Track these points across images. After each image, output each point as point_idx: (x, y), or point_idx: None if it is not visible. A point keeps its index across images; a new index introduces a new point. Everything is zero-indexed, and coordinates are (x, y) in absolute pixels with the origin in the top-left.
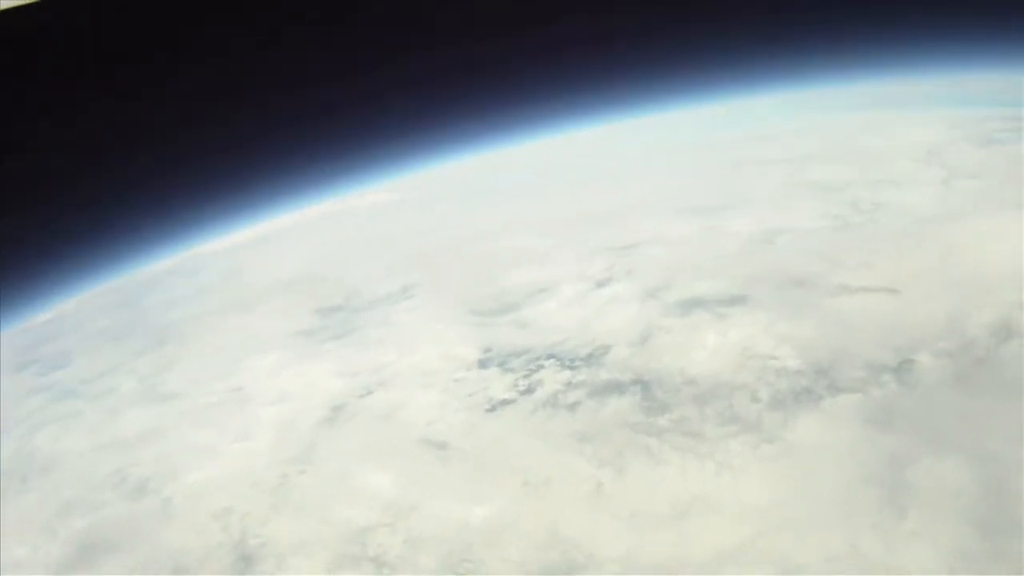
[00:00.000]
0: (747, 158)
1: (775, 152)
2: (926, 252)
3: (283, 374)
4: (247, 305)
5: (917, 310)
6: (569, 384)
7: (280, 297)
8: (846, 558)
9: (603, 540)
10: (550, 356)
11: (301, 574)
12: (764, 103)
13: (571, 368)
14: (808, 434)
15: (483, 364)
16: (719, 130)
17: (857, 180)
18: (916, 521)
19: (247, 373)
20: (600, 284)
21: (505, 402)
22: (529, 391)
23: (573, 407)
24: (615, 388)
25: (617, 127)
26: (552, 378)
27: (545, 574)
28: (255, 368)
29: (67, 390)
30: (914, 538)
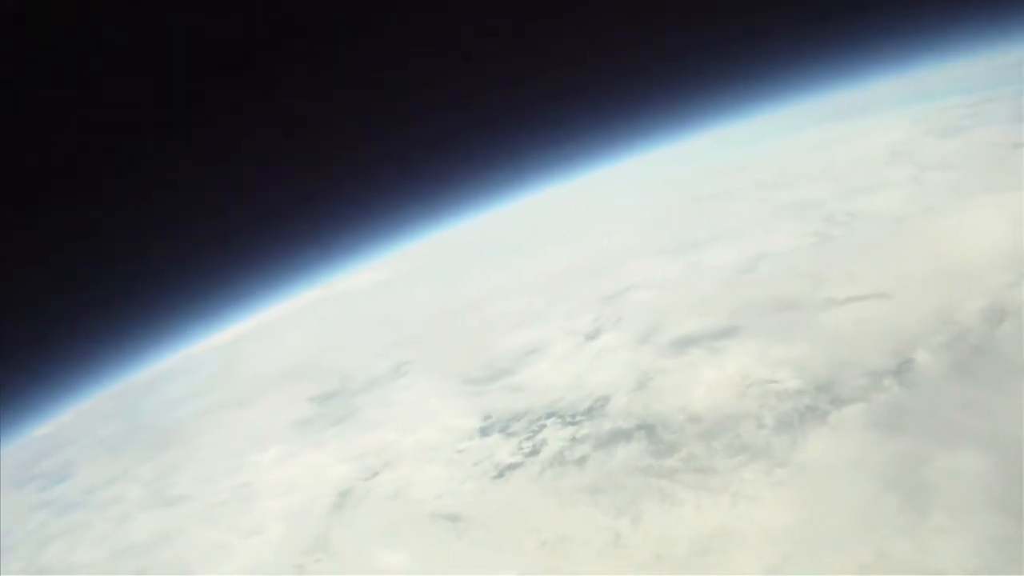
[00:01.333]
0: (718, 190)
1: (744, 180)
2: (907, 251)
3: (287, 465)
4: (245, 400)
5: (908, 309)
6: (573, 439)
7: (276, 388)
8: (878, 565)
9: None
10: (550, 415)
11: None
12: (726, 134)
13: (573, 424)
14: (819, 451)
15: (484, 432)
16: (687, 167)
17: (830, 194)
18: (942, 517)
19: (252, 468)
20: (590, 337)
21: (512, 466)
22: (534, 452)
23: (581, 461)
24: (620, 436)
25: (587, 180)
26: (555, 436)
27: None
28: (259, 462)
29: (72, 502)
30: (943, 533)
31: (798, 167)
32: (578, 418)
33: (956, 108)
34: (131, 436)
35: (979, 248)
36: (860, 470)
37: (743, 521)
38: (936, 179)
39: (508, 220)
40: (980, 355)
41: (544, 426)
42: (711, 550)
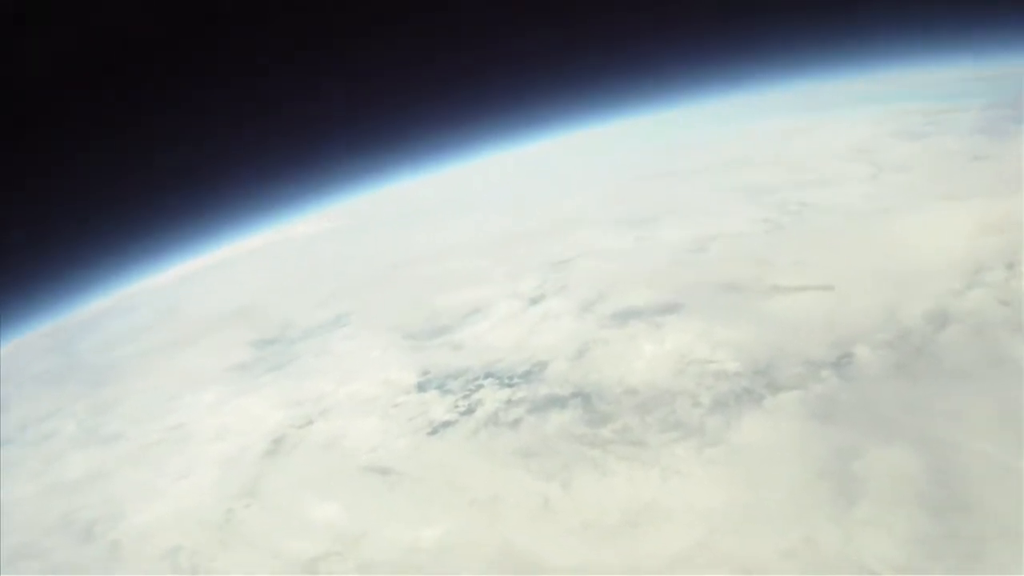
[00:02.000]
0: (677, 167)
1: (704, 160)
2: (857, 247)
3: (223, 409)
4: (184, 341)
5: (852, 304)
6: (509, 402)
7: (216, 331)
8: (803, 552)
9: (555, 553)
10: (488, 375)
11: None
12: (692, 112)
13: (510, 386)
14: (752, 434)
15: (421, 387)
16: (649, 141)
17: (786, 182)
18: (869, 510)
19: (187, 410)
20: (534, 301)
21: (446, 424)
22: (469, 411)
23: (515, 424)
24: (556, 403)
25: (547, 145)
26: (492, 397)
27: None
28: (195, 405)
29: (4, 438)
30: (869, 527)
31: (758, 152)
32: (515, 381)
33: (921, 113)
34: (68, 373)
35: (929, 252)
36: (792, 456)
37: (672, 496)
38: (893, 180)
39: (463, 178)
40: (921, 357)
41: (481, 386)
42: (640, 523)
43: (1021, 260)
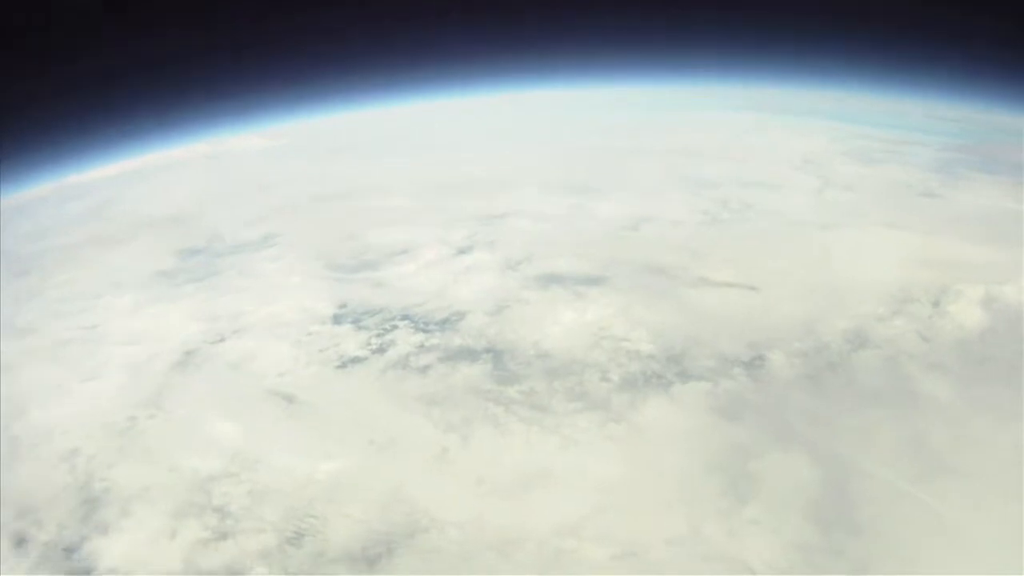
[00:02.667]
0: (629, 144)
1: (657, 142)
2: (790, 256)
3: (140, 314)
4: (112, 240)
5: (775, 310)
6: (421, 347)
7: (145, 235)
8: (687, 541)
9: (446, 505)
10: (405, 317)
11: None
12: (657, 93)
13: (425, 331)
14: (656, 417)
15: (337, 320)
16: (609, 114)
17: (732, 179)
18: (757, 510)
19: (104, 311)
20: (462, 251)
21: (356, 360)
22: (381, 350)
23: (424, 370)
24: (467, 355)
25: (507, 98)
26: (405, 339)
27: (389, 534)
28: (113, 306)
29: None
30: (755, 527)
31: (712, 144)
32: (431, 327)
33: (881, 140)
34: None
35: (860, 274)
36: (691, 446)
37: (568, 466)
38: (838, 198)
39: (413, 117)
40: (833, 372)
41: (396, 327)
42: (532, 486)
43: (947, 300)
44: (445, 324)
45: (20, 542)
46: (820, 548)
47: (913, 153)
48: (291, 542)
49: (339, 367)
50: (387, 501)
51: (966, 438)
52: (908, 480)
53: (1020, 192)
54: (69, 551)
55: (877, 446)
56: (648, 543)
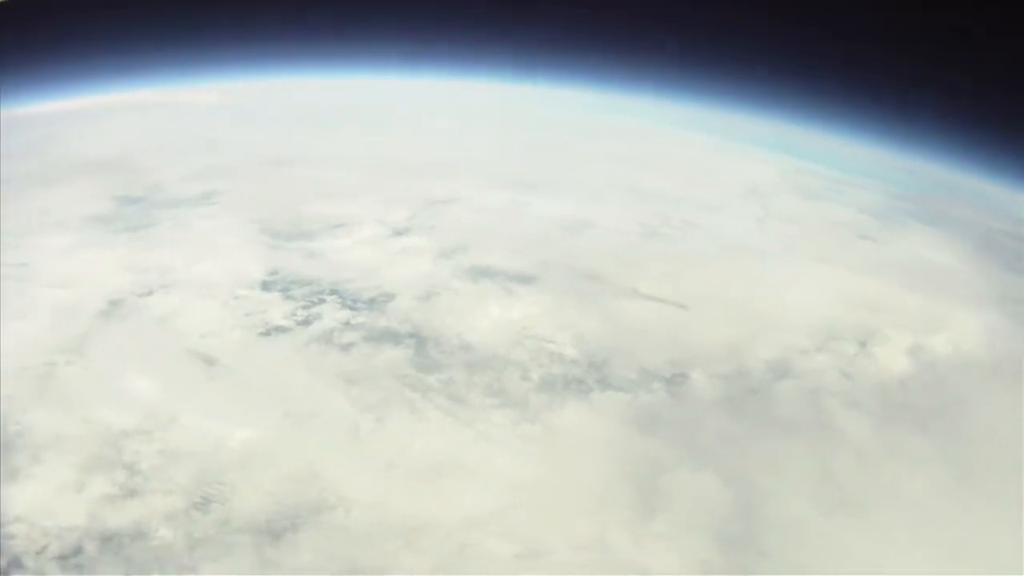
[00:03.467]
0: (580, 146)
1: (609, 148)
2: (723, 279)
3: (71, 258)
4: (49, 179)
5: (701, 330)
6: (347, 324)
7: (83, 177)
8: (592, 546)
9: (356, 484)
10: (333, 292)
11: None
12: (616, 99)
13: (352, 308)
14: (572, 422)
15: (266, 286)
16: (565, 113)
17: (677, 196)
18: (664, 525)
19: (35, 250)
20: (398, 232)
21: (281, 329)
22: (306, 323)
23: (347, 347)
24: (391, 337)
25: (466, 85)
26: (331, 315)
27: (295, 508)
28: (44, 247)
29: None
30: (660, 540)
31: (662, 160)
32: (358, 305)
33: (825, 178)
34: None
35: (789, 306)
36: (604, 454)
37: (480, 460)
38: (778, 230)
39: (368, 92)
40: (753, 398)
41: (324, 301)
42: (441, 476)
43: (874, 343)
44: (373, 304)
45: None
46: (722, 567)
47: (856, 195)
48: (198, 507)
49: (263, 334)
50: (297, 475)
51: (875, 477)
52: (815, 510)
53: (955, 247)
54: None
55: (788, 474)
56: (553, 545)
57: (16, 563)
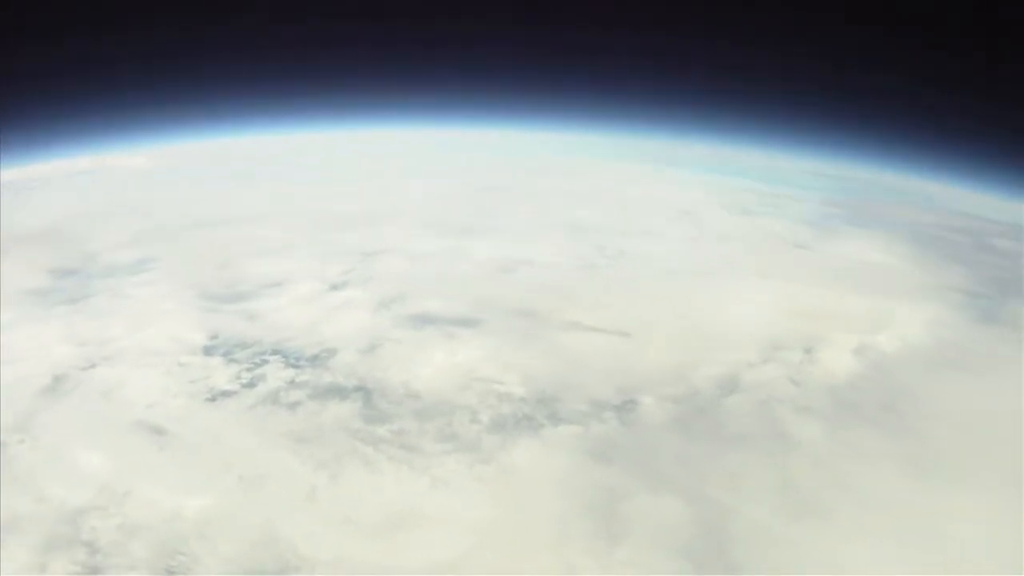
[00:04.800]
0: (508, 186)
1: (536, 185)
2: (663, 303)
3: (10, 333)
4: None
5: (646, 355)
6: (292, 383)
7: (18, 250)
8: None
9: (315, 543)
10: (276, 352)
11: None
12: (540, 137)
13: (295, 367)
14: (526, 459)
15: (208, 351)
16: (488, 154)
17: (609, 226)
18: (630, 551)
19: None
20: (335, 287)
21: (226, 393)
22: (251, 385)
23: (293, 406)
24: (337, 392)
25: (391, 133)
26: (275, 374)
27: (258, 573)
28: None
29: None
30: (628, 567)
31: (591, 192)
32: (301, 362)
33: (757, 193)
34: None
35: (732, 322)
36: (562, 488)
37: (438, 506)
38: (713, 248)
39: (297, 147)
40: (703, 417)
41: (267, 361)
42: (401, 527)
43: (818, 348)
44: (316, 360)
45: None
46: None
47: (789, 206)
48: None
49: (209, 400)
50: (256, 539)
51: (833, 479)
52: (778, 518)
53: (891, 246)
54: None
55: (747, 486)
56: None
57: None
